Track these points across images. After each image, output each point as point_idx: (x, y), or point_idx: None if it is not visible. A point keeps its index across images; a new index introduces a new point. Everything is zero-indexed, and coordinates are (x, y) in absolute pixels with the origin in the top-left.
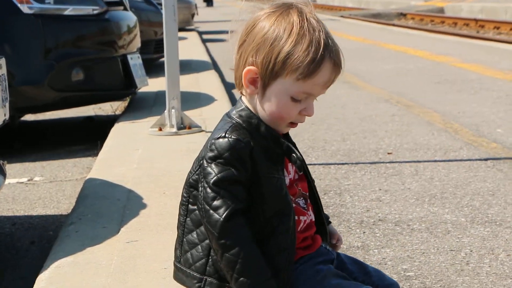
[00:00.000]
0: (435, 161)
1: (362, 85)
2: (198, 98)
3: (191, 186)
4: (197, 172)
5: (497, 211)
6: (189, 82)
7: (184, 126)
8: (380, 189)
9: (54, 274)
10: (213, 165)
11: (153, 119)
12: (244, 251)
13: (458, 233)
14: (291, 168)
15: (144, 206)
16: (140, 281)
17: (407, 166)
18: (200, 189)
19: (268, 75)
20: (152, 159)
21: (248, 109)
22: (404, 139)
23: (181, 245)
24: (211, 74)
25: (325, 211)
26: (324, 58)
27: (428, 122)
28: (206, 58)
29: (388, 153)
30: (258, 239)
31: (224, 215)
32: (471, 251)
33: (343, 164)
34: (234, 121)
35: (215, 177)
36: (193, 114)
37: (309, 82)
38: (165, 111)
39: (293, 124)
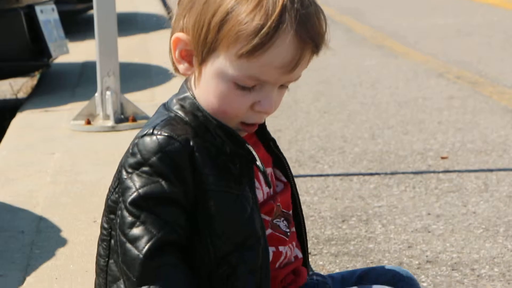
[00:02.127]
0: None
1: (402, 51)
2: (147, 73)
3: (111, 211)
4: (116, 190)
5: None
6: (134, 48)
7: (125, 117)
8: (430, 214)
9: None
10: (134, 176)
11: (77, 106)
12: None
13: None
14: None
15: (63, 242)
16: None
17: (471, 177)
18: (117, 212)
19: (201, 47)
20: (75, 169)
21: (193, 96)
22: (467, 136)
23: None
24: (167, 35)
25: (344, 248)
26: (280, 26)
27: (506, 108)
28: (158, 9)
29: (443, 158)
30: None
31: (144, 249)
32: None
33: (371, 175)
34: (172, 114)
35: (135, 194)
36: (140, 98)
37: (255, 62)
38: (96, 94)
39: (246, 126)
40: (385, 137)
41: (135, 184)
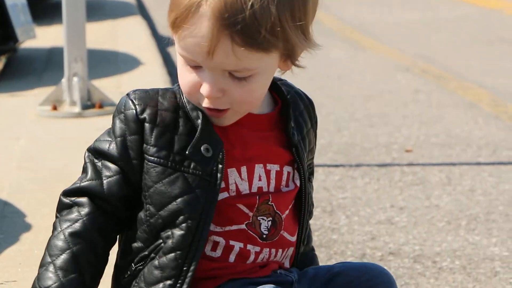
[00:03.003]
0: (479, 163)
1: (369, 45)
2: (115, 60)
3: None
4: None
5: None
6: (102, 34)
7: (92, 103)
8: (393, 206)
9: None
10: (107, 129)
11: (43, 92)
12: (55, 236)
13: (511, 275)
14: (263, 172)
15: (27, 227)
16: None
17: (435, 171)
18: None
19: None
20: (41, 155)
21: None
22: (431, 130)
23: None
24: (136, 22)
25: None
26: (197, 3)
27: (471, 103)
28: None
29: (407, 151)
30: (138, 256)
31: (68, 187)
32: None
33: (336, 166)
34: (174, 87)
35: (92, 144)
36: (106, 85)
37: (179, 38)
38: (63, 80)
39: (208, 110)
40: (350, 130)
41: (100, 136)
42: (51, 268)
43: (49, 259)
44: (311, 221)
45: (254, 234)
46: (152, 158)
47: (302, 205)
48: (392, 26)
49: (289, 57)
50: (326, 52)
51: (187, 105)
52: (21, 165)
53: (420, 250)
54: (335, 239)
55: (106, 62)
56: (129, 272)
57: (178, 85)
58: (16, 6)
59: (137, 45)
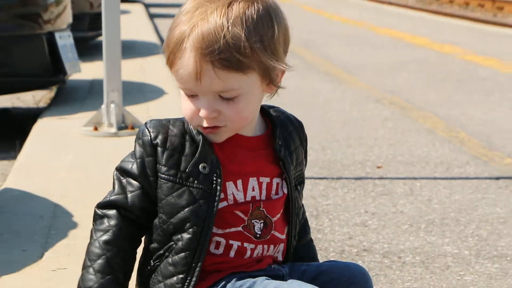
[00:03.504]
0: (435, 178)
1: (347, 80)
2: (143, 90)
3: None
4: None
5: (509, 243)
6: (133, 69)
7: (125, 125)
8: (367, 212)
9: None
10: (132, 151)
11: (86, 116)
12: (93, 244)
13: (460, 269)
14: (256, 184)
15: (74, 225)
16: None
17: (400, 183)
18: None
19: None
20: (85, 166)
21: None
22: (397, 150)
23: None
24: (160, 60)
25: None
26: (181, 42)
27: (428, 129)
28: (153, 38)
29: (378, 167)
30: (156, 255)
31: (101, 201)
32: None
33: (321, 179)
34: (182, 117)
35: (119, 163)
36: (137, 111)
37: (173, 72)
38: (103, 106)
39: (203, 129)
40: (332, 149)
41: (125, 157)
42: (91, 271)
43: (89, 263)
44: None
45: (249, 235)
46: (164, 175)
47: (290, 208)
48: (365, 65)
49: (269, 79)
50: (311, 85)
51: (192, 131)
52: (68, 175)
53: (388, 248)
54: (320, 238)
55: (137, 92)
56: (149, 267)
57: None
58: (66, 46)
59: (161, 78)
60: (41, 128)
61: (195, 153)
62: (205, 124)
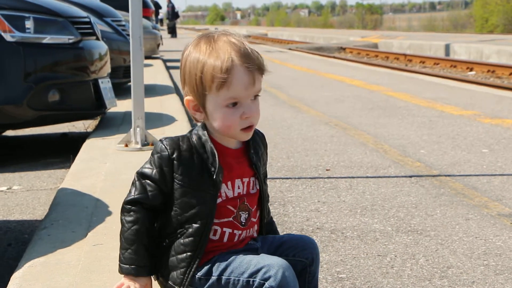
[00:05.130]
0: (367, 177)
1: (305, 109)
2: (161, 118)
3: None
4: None
5: (419, 222)
6: (153, 104)
7: (147, 143)
8: (319, 201)
9: (27, 272)
10: (148, 160)
11: (120, 136)
12: (128, 233)
13: (385, 240)
14: (240, 183)
15: (109, 213)
16: (105, 280)
17: (342, 181)
18: None
19: (200, 98)
20: (118, 172)
21: (205, 127)
22: (340, 158)
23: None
24: (173, 98)
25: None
26: (233, 65)
27: (362, 143)
28: (169, 83)
29: (327, 170)
30: (171, 235)
31: (128, 198)
32: (395, 256)
33: (287, 178)
34: (187, 134)
35: (140, 169)
36: (156, 132)
37: (229, 89)
38: (131, 129)
39: (245, 130)
40: (295, 158)
41: (144, 164)
42: (130, 251)
43: (127, 246)
44: (273, 210)
45: (237, 223)
46: (178, 182)
47: (261, 199)
48: (317, 99)
49: None
50: (280, 114)
51: (197, 146)
52: (107, 177)
53: (334, 226)
54: (286, 220)
55: (156, 120)
56: (164, 244)
57: (190, 131)
58: (106, 88)
59: (173, 110)
60: (88, 145)
61: (201, 163)
62: (248, 124)
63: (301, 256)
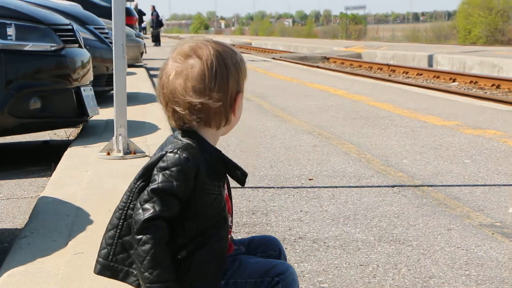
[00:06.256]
0: (350, 186)
1: (288, 119)
2: (143, 127)
3: (131, 191)
4: (138, 181)
5: (401, 231)
6: (136, 113)
7: (129, 151)
8: (301, 211)
9: (6, 281)
10: (160, 174)
11: (102, 145)
12: (153, 250)
13: (367, 250)
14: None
15: (91, 222)
16: None
17: (325, 190)
18: (143, 192)
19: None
20: (100, 180)
21: (196, 134)
22: (323, 167)
23: (114, 246)
24: (156, 106)
25: (253, 229)
26: (244, 65)
27: (345, 152)
28: (152, 91)
29: (309, 179)
30: (187, 246)
31: (146, 215)
32: (377, 266)
33: (270, 187)
34: (184, 142)
35: (156, 185)
36: (138, 141)
37: (244, 85)
38: (113, 138)
39: None
40: (278, 167)
41: (158, 179)
42: (161, 268)
43: (156, 264)
44: (255, 219)
45: (230, 228)
46: (203, 189)
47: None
48: (301, 109)
49: None
50: (264, 123)
51: (205, 156)
52: (88, 186)
53: (317, 236)
54: (268, 229)
55: (138, 128)
56: (179, 256)
57: (196, 141)
58: (88, 96)
59: (156, 118)
60: (70, 153)
61: (212, 168)
62: None
63: (268, 250)
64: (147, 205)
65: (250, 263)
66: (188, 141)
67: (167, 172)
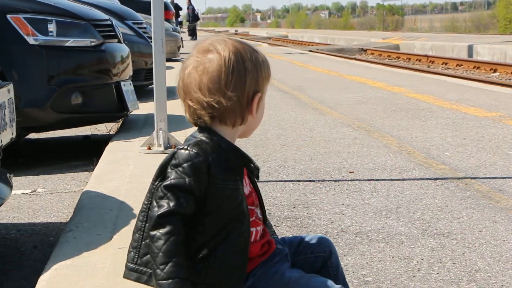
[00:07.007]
0: (391, 179)
1: (327, 112)
2: (182, 121)
3: (150, 192)
4: (157, 180)
5: (445, 224)
6: (175, 107)
7: (170, 145)
8: (343, 204)
9: (54, 275)
10: (173, 172)
11: (143, 139)
12: (166, 246)
13: (411, 243)
14: (247, 179)
15: (134, 216)
16: (131, 283)
17: (366, 183)
18: (156, 190)
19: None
20: (141, 174)
21: (211, 130)
22: (364, 160)
23: (138, 249)
24: None
25: (295, 223)
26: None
27: (385, 145)
28: None
29: (350, 172)
30: (208, 243)
31: (160, 211)
32: (422, 259)
33: (310, 181)
34: (198, 139)
35: (169, 182)
36: (178, 135)
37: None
38: (154, 132)
39: None
40: (318, 160)
41: (171, 176)
42: (171, 264)
43: (167, 260)
44: (296, 213)
45: (257, 220)
46: (221, 185)
47: (257, 192)
48: (340, 101)
49: None
50: (303, 116)
51: (217, 150)
52: (130, 180)
53: (359, 229)
54: (310, 223)
55: (178, 122)
56: (200, 255)
57: (210, 137)
58: (128, 91)
59: None
60: (111, 148)
61: (225, 163)
62: None
63: (318, 251)
64: (161, 202)
65: (293, 278)
66: (202, 138)
67: (180, 168)
